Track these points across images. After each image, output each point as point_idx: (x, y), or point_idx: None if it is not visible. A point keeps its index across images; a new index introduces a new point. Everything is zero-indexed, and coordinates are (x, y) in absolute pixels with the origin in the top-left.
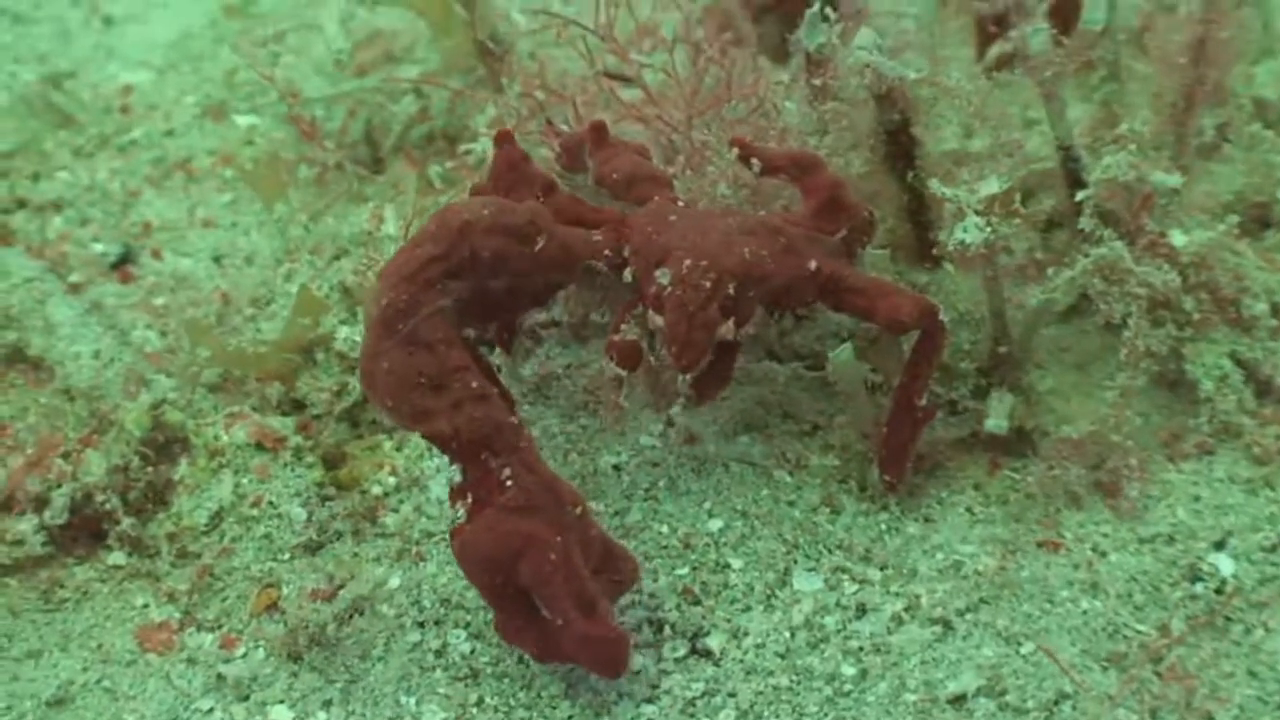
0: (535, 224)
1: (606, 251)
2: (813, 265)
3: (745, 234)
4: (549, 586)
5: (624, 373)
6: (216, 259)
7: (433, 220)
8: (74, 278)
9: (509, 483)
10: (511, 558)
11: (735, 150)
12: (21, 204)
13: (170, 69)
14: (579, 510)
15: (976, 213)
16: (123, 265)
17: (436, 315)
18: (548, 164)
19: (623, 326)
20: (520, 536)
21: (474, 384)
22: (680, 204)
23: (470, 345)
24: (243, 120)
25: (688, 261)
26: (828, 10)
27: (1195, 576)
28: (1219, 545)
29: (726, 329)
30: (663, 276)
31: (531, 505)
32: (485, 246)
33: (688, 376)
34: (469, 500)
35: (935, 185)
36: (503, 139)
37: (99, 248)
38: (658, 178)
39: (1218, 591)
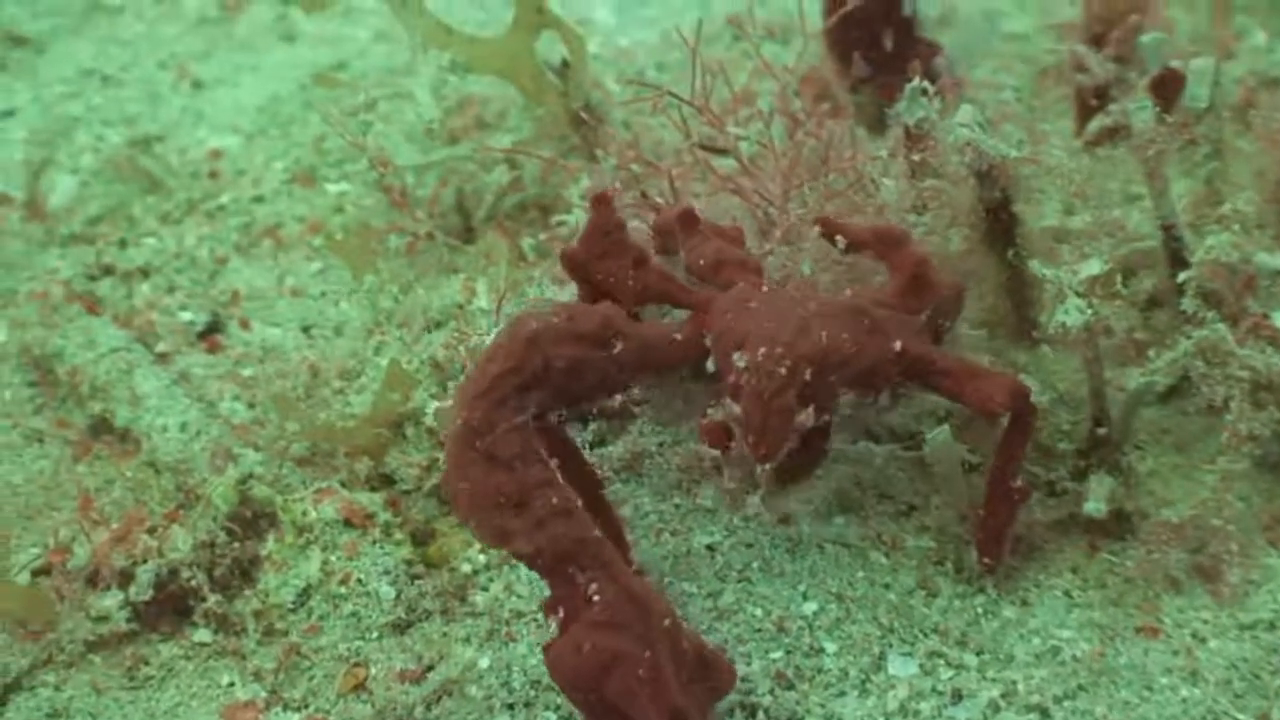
0: (610, 327)
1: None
2: (897, 346)
3: (825, 317)
4: (637, 703)
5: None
6: (305, 329)
7: (503, 333)
8: (161, 347)
9: (595, 597)
10: (599, 674)
11: (818, 229)
12: (108, 270)
13: (259, 134)
14: (668, 622)
15: (1078, 294)
16: (210, 334)
17: (513, 431)
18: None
19: (709, 409)
20: (608, 653)
21: (554, 500)
22: (764, 289)
23: (557, 426)
24: (333, 187)
25: (763, 349)
26: (926, 84)
27: None
28: None
29: (806, 416)
30: (739, 361)
31: (617, 621)
32: (558, 356)
33: (767, 467)
34: (560, 615)
35: (1036, 266)
36: (599, 202)
37: (186, 316)
38: (745, 263)
39: None
